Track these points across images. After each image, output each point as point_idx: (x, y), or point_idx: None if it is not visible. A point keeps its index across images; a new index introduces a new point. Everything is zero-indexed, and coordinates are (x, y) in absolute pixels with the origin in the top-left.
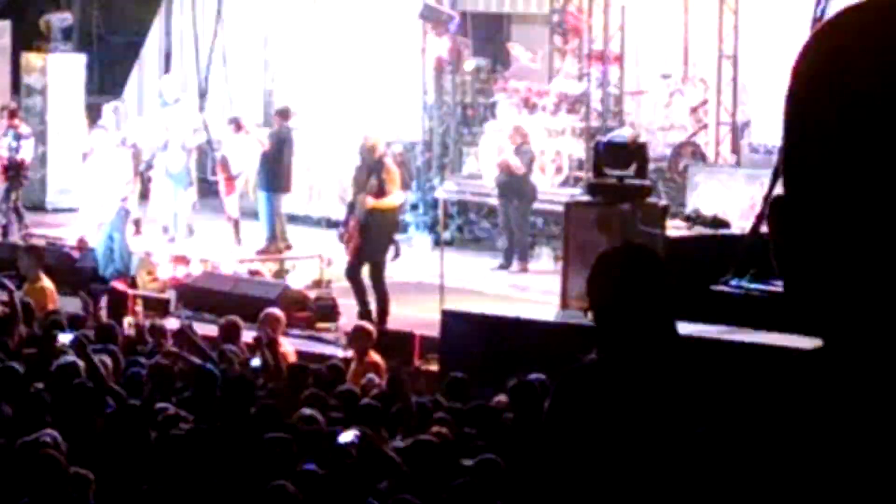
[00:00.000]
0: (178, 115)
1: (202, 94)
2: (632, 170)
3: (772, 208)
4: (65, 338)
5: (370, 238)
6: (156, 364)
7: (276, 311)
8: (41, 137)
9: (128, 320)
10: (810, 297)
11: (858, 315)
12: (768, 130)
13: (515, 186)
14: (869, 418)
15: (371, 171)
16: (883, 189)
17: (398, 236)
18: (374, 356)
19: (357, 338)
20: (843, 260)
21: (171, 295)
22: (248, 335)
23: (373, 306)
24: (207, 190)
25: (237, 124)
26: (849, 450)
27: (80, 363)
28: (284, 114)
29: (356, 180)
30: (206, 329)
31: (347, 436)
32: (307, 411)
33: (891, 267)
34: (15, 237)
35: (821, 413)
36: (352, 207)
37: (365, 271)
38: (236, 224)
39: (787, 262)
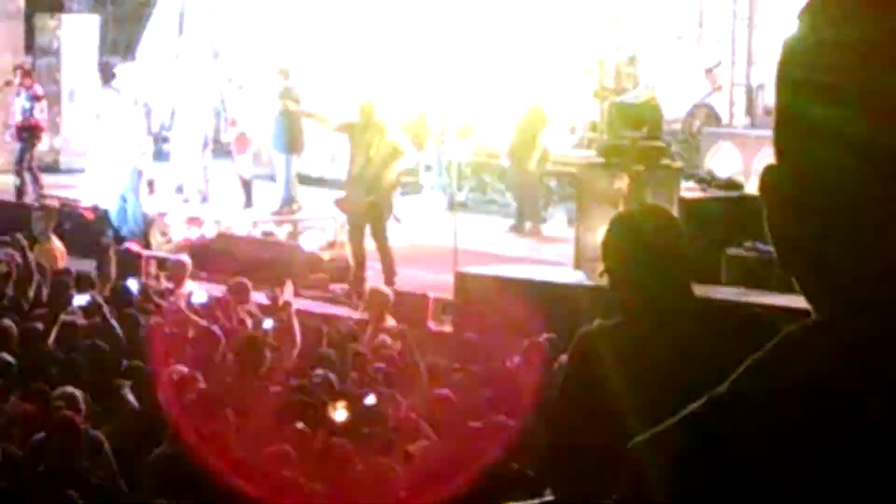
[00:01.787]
0: (193, 76)
1: (215, 55)
2: (645, 132)
3: (763, 176)
4: (80, 299)
5: (373, 205)
6: (155, 326)
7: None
8: (55, 98)
9: (131, 282)
10: (800, 265)
11: (848, 284)
12: None
13: (528, 148)
14: (857, 386)
15: (371, 134)
16: (874, 158)
17: (410, 198)
18: (390, 320)
19: (373, 301)
20: (833, 228)
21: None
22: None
23: (378, 268)
24: (220, 151)
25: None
26: (838, 419)
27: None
28: (285, 74)
29: (353, 141)
30: (218, 290)
31: (368, 399)
32: (321, 371)
33: (881, 236)
34: (30, 198)
35: (810, 382)
36: (351, 178)
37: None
38: (247, 185)
39: (777, 229)
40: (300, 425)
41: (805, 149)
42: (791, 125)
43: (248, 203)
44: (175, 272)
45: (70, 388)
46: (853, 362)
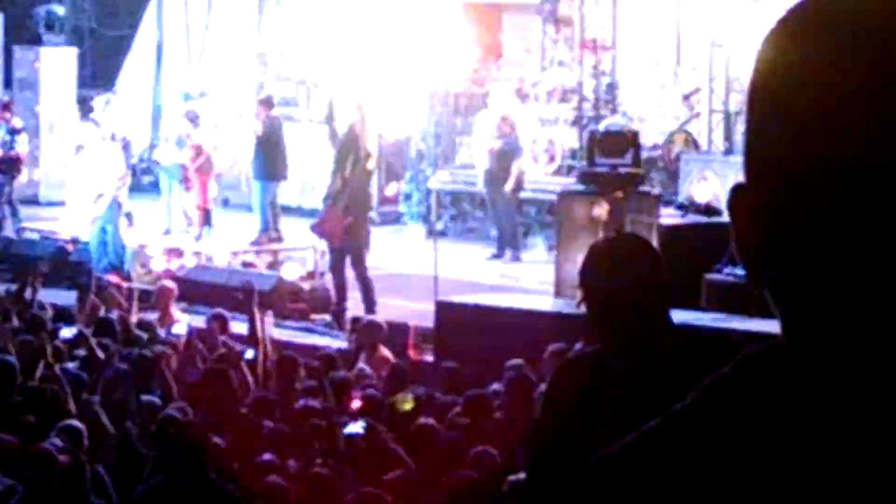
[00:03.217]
0: (171, 108)
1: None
2: (624, 158)
3: (731, 197)
4: (68, 332)
5: (351, 226)
6: (139, 357)
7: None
8: (33, 131)
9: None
10: (770, 287)
11: (817, 304)
12: None
13: (504, 175)
14: (828, 409)
15: (347, 153)
16: (844, 176)
17: (390, 228)
18: (384, 351)
19: (366, 332)
20: (802, 249)
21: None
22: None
23: (358, 297)
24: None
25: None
26: (807, 438)
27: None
28: (268, 103)
29: (334, 161)
30: (197, 321)
31: (355, 427)
32: (307, 402)
33: (850, 256)
34: (9, 231)
35: (780, 406)
36: (328, 198)
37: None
38: (206, 214)
39: (744, 247)
40: (268, 456)
41: (771, 170)
42: (756, 146)
43: (201, 232)
44: (160, 298)
45: (74, 422)
46: (813, 383)
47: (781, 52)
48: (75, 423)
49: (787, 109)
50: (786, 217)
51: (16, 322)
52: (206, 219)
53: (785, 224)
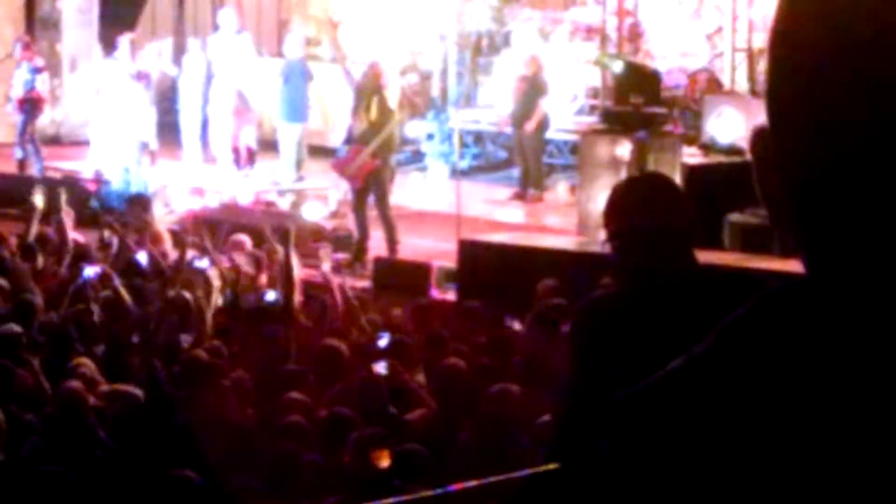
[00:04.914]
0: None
1: (216, 27)
2: (647, 98)
3: (754, 139)
4: (90, 271)
5: (377, 169)
6: (173, 297)
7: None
8: (56, 70)
9: (140, 254)
10: (793, 229)
11: (841, 245)
12: None
13: (529, 115)
14: (850, 348)
15: (371, 95)
16: (866, 119)
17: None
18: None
19: (378, 270)
20: (826, 191)
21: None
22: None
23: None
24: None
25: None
26: (827, 378)
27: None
28: (294, 42)
29: (359, 103)
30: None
31: (378, 367)
32: (332, 342)
33: (873, 199)
34: (32, 170)
35: (800, 345)
36: (351, 136)
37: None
38: (237, 152)
39: (769, 193)
40: (296, 395)
41: (793, 113)
42: (779, 89)
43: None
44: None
45: (84, 359)
46: (834, 322)
47: (792, 6)
48: (86, 360)
49: (810, 52)
50: (808, 160)
51: (41, 261)
52: (237, 159)
53: (808, 167)
